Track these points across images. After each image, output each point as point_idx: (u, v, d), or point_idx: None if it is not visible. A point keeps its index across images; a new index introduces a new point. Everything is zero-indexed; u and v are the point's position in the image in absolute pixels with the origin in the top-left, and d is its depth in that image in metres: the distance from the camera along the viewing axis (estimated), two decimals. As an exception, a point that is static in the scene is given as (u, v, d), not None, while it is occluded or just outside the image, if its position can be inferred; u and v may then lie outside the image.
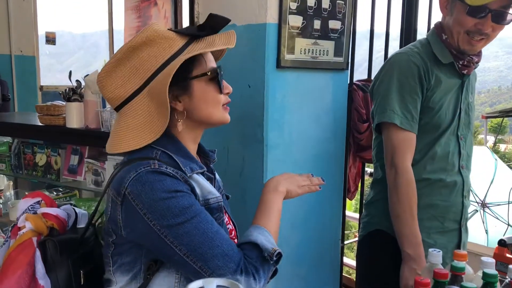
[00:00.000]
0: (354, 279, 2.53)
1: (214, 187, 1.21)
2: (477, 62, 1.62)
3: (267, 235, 1.08)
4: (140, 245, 1.04)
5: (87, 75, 2.09)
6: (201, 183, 1.10)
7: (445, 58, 1.59)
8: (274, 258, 1.04)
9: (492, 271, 1.08)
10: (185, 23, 2.09)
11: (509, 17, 1.49)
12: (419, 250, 1.51)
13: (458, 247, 1.67)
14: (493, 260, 1.16)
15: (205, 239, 0.99)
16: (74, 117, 2.12)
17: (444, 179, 1.62)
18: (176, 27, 2.39)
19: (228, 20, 1.12)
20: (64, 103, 2.18)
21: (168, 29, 1.09)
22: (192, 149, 1.16)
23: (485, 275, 1.07)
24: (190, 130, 1.13)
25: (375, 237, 1.68)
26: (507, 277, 1.12)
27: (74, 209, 1.29)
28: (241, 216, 1.77)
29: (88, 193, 2.30)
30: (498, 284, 1.07)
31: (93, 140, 2.12)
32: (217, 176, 1.29)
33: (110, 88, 1.07)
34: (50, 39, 5.45)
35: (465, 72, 1.62)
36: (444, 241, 1.60)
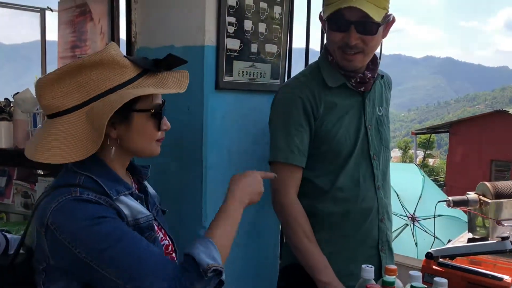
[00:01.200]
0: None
1: (148, 204, 1.22)
2: (372, 77, 1.59)
3: (210, 249, 1.06)
4: (71, 271, 1.02)
5: (17, 93, 2.01)
6: (129, 204, 1.10)
7: (335, 81, 1.57)
8: (209, 275, 1.01)
9: (419, 284, 1.16)
10: (122, 41, 2.06)
11: (373, 26, 1.47)
12: (330, 273, 1.48)
13: (379, 271, 1.61)
14: (420, 274, 1.24)
15: (133, 260, 0.98)
16: (2, 136, 2.02)
17: (356, 208, 1.58)
18: (113, 44, 2.34)
19: (185, 62, 1.14)
20: (-9, 122, 2.08)
21: (124, 56, 1.08)
22: (121, 172, 1.16)
23: (412, 289, 1.14)
24: (119, 157, 1.13)
25: (291, 271, 1.64)
26: (432, 287, 1.20)
27: (5, 235, 1.24)
28: (180, 237, 1.75)
29: (17, 217, 2.19)
30: (424, 295, 1.14)
31: (23, 161, 2.02)
32: (151, 191, 1.30)
33: (48, 97, 1.05)
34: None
35: (362, 89, 1.59)
36: None
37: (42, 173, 2.10)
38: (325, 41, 1.91)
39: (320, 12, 1.60)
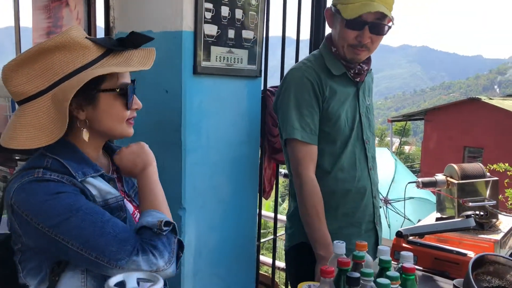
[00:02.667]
0: (271, 276, 2.65)
1: (122, 185, 1.24)
2: (367, 69, 1.77)
3: (152, 213, 1.10)
4: (42, 250, 1.06)
5: (-7, 78, 2.00)
6: (98, 185, 1.12)
7: (337, 69, 1.72)
8: (164, 228, 1.05)
9: (387, 257, 1.22)
10: (100, 26, 2.07)
11: (385, 28, 1.65)
12: (330, 250, 1.62)
13: (376, 243, 1.82)
14: (388, 248, 1.31)
15: (94, 229, 1.00)
16: (-20, 122, 2.01)
17: (355, 186, 1.74)
18: (90, 30, 2.34)
19: (150, 39, 1.13)
20: (-33, 107, 2.07)
21: (86, 37, 1.08)
22: (93, 155, 1.17)
23: (380, 261, 1.20)
24: (91, 139, 1.13)
25: (300, 250, 1.78)
26: (399, 262, 1.27)
27: None
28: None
29: (-5, 202, 2.19)
30: (392, 268, 1.21)
31: (2, 146, 2.03)
32: None
33: (13, 83, 1.06)
34: None
35: (358, 79, 1.75)
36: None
37: (20, 158, 2.11)
38: (297, 30, 1.97)
39: (329, 8, 1.72)
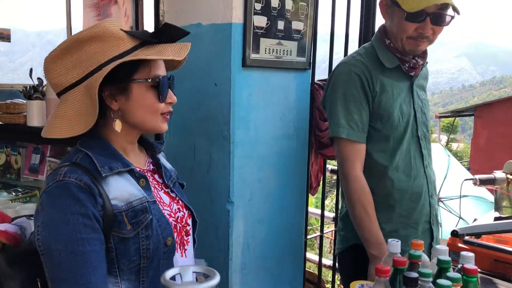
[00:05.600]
0: (317, 273, 2.61)
1: (160, 176, 1.24)
2: (423, 64, 1.69)
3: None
4: None
5: (49, 72, 2.05)
6: (122, 187, 1.10)
7: (391, 62, 1.64)
8: None
9: (446, 257, 1.16)
10: (149, 21, 2.09)
11: (447, 18, 1.56)
12: (382, 249, 1.56)
13: (431, 244, 1.74)
14: (447, 248, 1.25)
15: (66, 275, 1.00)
16: (35, 115, 2.08)
17: (411, 186, 1.67)
18: (137, 26, 2.38)
19: (185, 33, 1.13)
20: (24, 101, 2.14)
21: (121, 29, 1.09)
22: (126, 149, 1.17)
23: (439, 262, 1.15)
24: (124, 132, 1.14)
25: (355, 251, 1.72)
26: (459, 262, 1.21)
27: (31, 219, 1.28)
28: (208, 211, 1.80)
29: (49, 193, 2.27)
30: (451, 269, 1.15)
31: (55, 139, 2.09)
32: (167, 165, 1.31)
33: (53, 75, 1.09)
34: (5, 36, 5.24)
35: (412, 73, 1.67)
36: None
37: (73, 150, 2.17)
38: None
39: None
